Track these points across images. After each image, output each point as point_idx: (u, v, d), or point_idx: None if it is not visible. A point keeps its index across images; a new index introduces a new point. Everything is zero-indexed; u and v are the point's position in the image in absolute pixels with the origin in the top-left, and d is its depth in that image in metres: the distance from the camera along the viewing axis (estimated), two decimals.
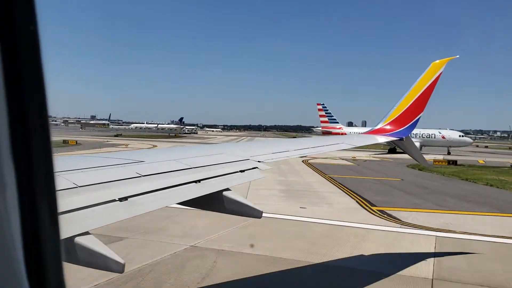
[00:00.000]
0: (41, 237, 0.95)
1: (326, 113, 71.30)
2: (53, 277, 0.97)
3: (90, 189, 2.85)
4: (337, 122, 70.53)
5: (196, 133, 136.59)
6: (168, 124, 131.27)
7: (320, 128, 71.86)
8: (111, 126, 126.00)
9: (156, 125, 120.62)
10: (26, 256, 0.91)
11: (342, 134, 63.95)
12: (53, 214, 0.98)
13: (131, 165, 3.67)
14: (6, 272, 0.88)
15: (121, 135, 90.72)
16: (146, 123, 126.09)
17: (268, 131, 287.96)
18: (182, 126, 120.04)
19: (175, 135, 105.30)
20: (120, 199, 2.91)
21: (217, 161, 4.66)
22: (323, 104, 71.53)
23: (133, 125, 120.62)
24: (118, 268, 2.53)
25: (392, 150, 57.60)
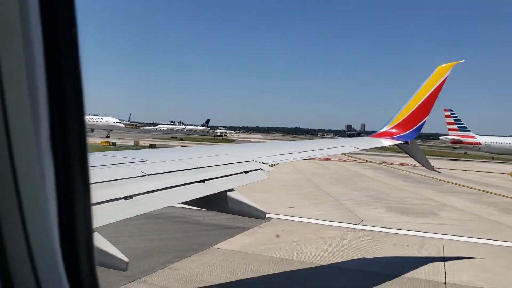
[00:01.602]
0: (75, 223, 1.05)
1: (455, 120, 62.64)
2: (86, 263, 1.07)
3: (96, 187, 2.87)
4: (468, 130, 62.03)
5: (227, 135, 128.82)
6: (197, 126, 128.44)
7: (448, 137, 63.98)
8: (142, 127, 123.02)
9: (184, 126, 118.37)
10: (62, 240, 1.00)
11: (476, 144, 59.96)
12: (87, 204, 1.09)
13: (136, 164, 3.69)
14: (45, 255, 0.97)
15: (182, 139, 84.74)
16: (178, 124, 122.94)
17: (270, 133, 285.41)
18: (208, 128, 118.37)
19: (222, 138, 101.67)
20: (125, 198, 2.92)
21: (221, 162, 4.68)
22: (451, 110, 62.81)
23: (158, 126, 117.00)
24: (122, 266, 2.54)
25: None
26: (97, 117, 76.45)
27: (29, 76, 0.90)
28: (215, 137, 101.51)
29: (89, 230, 1.09)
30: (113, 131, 75.74)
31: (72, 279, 1.00)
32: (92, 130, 77.59)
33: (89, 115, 78.81)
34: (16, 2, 0.87)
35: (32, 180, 0.93)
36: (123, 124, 79.77)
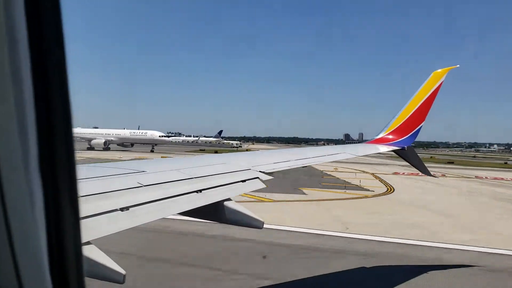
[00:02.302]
0: (64, 239, 1.02)
1: None
2: (75, 276, 1.05)
3: (92, 199, 2.86)
4: None
5: (241, 146, 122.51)
6: (210, 137, 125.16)
7: None
8: None
9: (198, 138, 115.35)
10: (50, 255, 0.98)
11: None
12: (76, 217, 1.05)
13: (132, 175, 3.69)
14: (32, 270, 0.95)
15: (216, 151, 78.07)
16: (193, 136, 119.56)
17: (270, 143, 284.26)
18: (222, 140, 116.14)
19: (247, 149, 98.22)
20: (122, 209, 2.92)
21: (218, 171, 4.68)
22: None
23: (172, 138, 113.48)
24: (119, 278, 2.53)
25: None
26: (141, 131, 72.97)
27: (15, 86, 0.90)
28: (238, 149, 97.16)
29: (78, 244, 1.08)
30: (157, 145, 71.90)
31: None
32: (132, 145, 73.88)
33: (108, 127, 75.58)
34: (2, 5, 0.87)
35: (18, 195, 0.93)
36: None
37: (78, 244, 1.06)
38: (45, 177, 0.96)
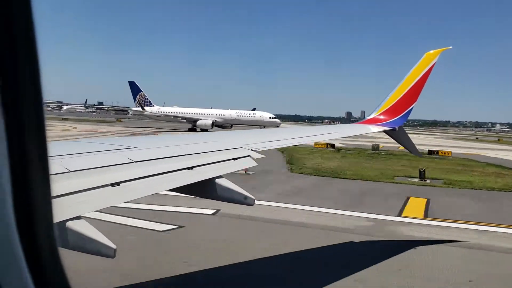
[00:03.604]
0: (34, 221, 0.95)
1: None
2: (50, 260, 0.98)
3: (82, 174, 2.84)
4: None
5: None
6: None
7: None
8: None
9: None
10: (22, 238, 0.91)
11: None
12: (47, 197, 0.99)
13: (123, 151, 3.66)
14: (4, 256, 0.89)
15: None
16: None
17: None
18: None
19: None
20: (112, 185, 2.91)
21: (210, 149, 4.67)
22: None
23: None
24: (109, 253, 2.54)
25: None
26: (249, 111, 67.43)
27: None
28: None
29: (49, 227, 1.01)
30: (265, 127, 62.92)
31: (38, 281, 0.94)
32: (231, 126, 66.45)
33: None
34: None
35: None
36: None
37: (50, 227, 1.00)
38: (13, 158, 0.88)
